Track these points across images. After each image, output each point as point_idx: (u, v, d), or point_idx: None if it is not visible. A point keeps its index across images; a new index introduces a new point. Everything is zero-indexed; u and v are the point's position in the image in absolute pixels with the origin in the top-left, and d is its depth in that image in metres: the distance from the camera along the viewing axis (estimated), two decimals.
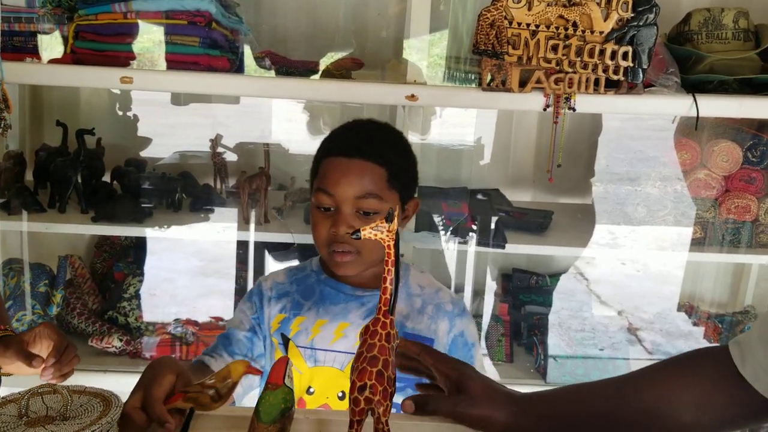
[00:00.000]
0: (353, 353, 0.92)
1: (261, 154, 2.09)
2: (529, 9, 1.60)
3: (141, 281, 2.18)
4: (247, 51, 1.95)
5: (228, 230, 2.08)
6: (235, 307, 2.23)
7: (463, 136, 2.42)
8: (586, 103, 1.67)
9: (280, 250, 2.20)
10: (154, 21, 1.71)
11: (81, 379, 1.12)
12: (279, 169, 2.23)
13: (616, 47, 1.61)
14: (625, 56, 1.61)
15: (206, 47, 1.72)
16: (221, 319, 2.19)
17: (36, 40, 1.77)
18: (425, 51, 1.89)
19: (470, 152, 2.42)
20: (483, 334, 2.24)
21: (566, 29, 1.61)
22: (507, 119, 2.39)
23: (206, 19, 1.70)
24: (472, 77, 1.85)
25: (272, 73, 1.88)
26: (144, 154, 2.34)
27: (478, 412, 0.95)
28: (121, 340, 2.05)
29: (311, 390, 1.36)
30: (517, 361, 2.21)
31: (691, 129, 1.91)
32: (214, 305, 2.29)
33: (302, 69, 1.86)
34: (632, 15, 1.60)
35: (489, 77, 1.67)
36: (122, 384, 1.08)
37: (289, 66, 1.85)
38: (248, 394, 1.41)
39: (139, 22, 1.71)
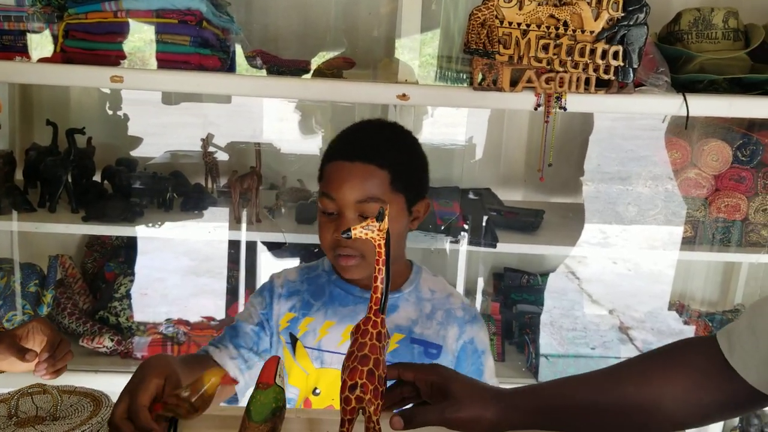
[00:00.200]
0: None
1: (252, 154, 2.09)
2: (520, 8, 1.61)
3: (132, 281, 2.17)
4: (238, 50, 1.95)
5: (219, 230, 2.08)
6: (227, 307, 2.24)
7: (455, 136, 2.42)
8: (576, 102, 1.68)
9: (273, 249, 2.20)
10: (144, 20, 1.70)
11: (72, 379, 1.12)
12: (270, 168, 2.23)
13: (606, 47, 1.61)
14: (615, 56, 1.62)
15: (197, 46, 1.71)
16: (213, 319, 2.19)
17: (25, 38, 1.76)
18: (417, 50, 1.89)
19: (461, 151, 2.42)
20: None
21: (557, 29, 1.62)
22: (498, 118, 2.39)
23: (197, 18, 1.69)
24: (464, 76, 1.86)
25: (263, 72, 1.88)
26: (135, 153, 2.33)
27: (466, 414, 0.94)
28: (112, 340, 2.05)
29: (317, 391, 1.36)
30: (508, 360, 2.21)
31: (681, 128, 1.91)
32: (206, 305, 2.28)
33: (293, 68, 1.85)
34: (623, 14, 1.60)
35: (480, 76, 1.67)
36: (113, 384, 1.08)
37: (281, 65, 1.85)
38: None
39: (130, 20, 1.70)
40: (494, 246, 2.03)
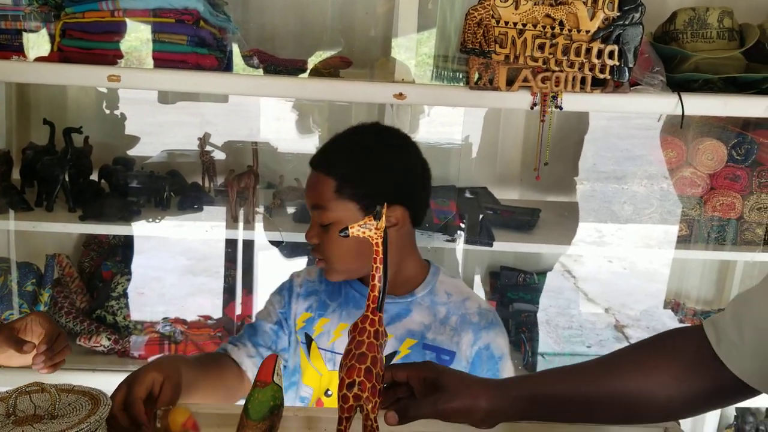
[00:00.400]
0: None
1: (249, 153, 2.09)
2: (516, 8, 1.61)
3: (129, 280, 2.17)
4: (235, 49, 1.95)
5: (216, 229, 2.08)
6: (223, 306, 2.24)
7: (451, 135, 2.43)
8: (572, 101, 1.68)
9: (270, 248, 2.20)
10: (141, 19, 1.70)
11: (69, 377, 1.12)
12: (267, 167, 2.23)
13: (602, 46, 1.62)
14: (611, 55, 1.62)
15: (194, 45, 1.71)
16: (210, 318, 2.19)
17: (22, 38, 1.75)
18: (413, 50, 1.90)
19: (458, 150, 2.42)
20: None
21: (553, 28, 1.62)
22: (494, 118, 2.39)
23: (194, 17, 1.69)
24: (460, 76, 1.86)
25: (260, 71, 1.88)
26: (132, 152, 2.33)
27: (458, 404, 0.95)
28: (109, 339, 2.05)
29: (329, 392, 1.36)
30: None
31: (676, 127, 1.92)
32: (203, 304, 2.29)
33: (290, 67, 1.86)
34: (618, 14, 1.61)
35: (476, 76, 1.68)
36: (111, 383, 1.09)
37: (278, 64, 1.85)
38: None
39: (127, 20, 1.70)
40: (490, 245, 2.03)
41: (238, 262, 2.23)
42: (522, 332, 2.22)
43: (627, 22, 1.61)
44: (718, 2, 1.86)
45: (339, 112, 2.35)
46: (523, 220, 2.13)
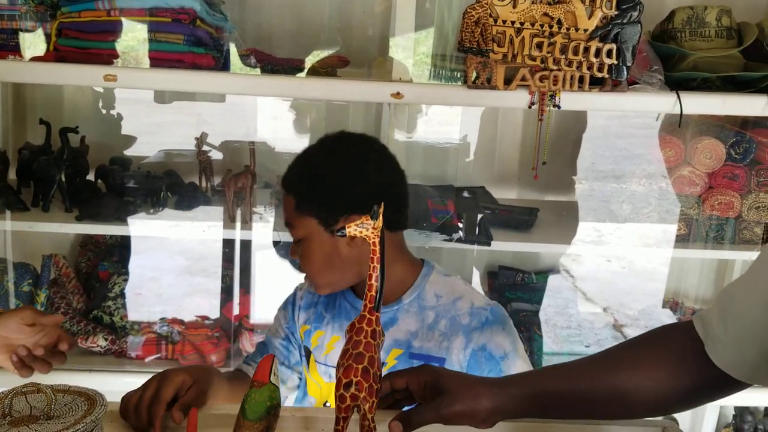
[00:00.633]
0: None
1: (246, 153, 2.08)
2: (514, 7, 1.61)
3: (126, 280, 2.17)
4: (232, 48, 1.95)
5: (213, 229, 2.07)
6: (221, 307, 2.24)
7: (449, 134, 2.42)
8: (570, 100, 1.68)
9: (267, 248, 2.19)
10: (137, 18, 1.70)
11: (66, 378, 1.12)
12: (265, 167, 2.22)
13: (600, 45, 1.62)
14: (609, 54, 1.62)
15: (191, 45, 1.71)
16: (207, 318, 2.19)
17: (18, 37, 1.75)
18: (411, 49, 1.89)
19: (456, 150, 2.42)
20: None
21: (551, 27, 1.62)
22: (492, 117, 2.39)
23: (190, 17, 1.69)
24: (458, 75, 1.86)
25: (257, 70, 1.88)
26: (128, 152, 2.33)
27: (461, 407, 0.94)
28: (106, 340, 2.04)
29: (327, 404, 1.36)
30: None
31: (674, 126, 1.92)
32: (200, 304, 2.28)
33: (288, 67, 1.85)
34: (616, 13, 1.61)
35: (474, 75, 1.68)
36: (108, 383, 1.09)
37: (275, 64, 1.85)
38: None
39: (123, 19, 1.70)
40: (488, 244, 2.03)
41: (235, 262, 2.22)
42: (520, 332, 2.22)
43: (625, 21, 1.60)
44: (717, 1, 1.86)
45: (336, 112, 2.35)
46: (521, 220, 2.13)
